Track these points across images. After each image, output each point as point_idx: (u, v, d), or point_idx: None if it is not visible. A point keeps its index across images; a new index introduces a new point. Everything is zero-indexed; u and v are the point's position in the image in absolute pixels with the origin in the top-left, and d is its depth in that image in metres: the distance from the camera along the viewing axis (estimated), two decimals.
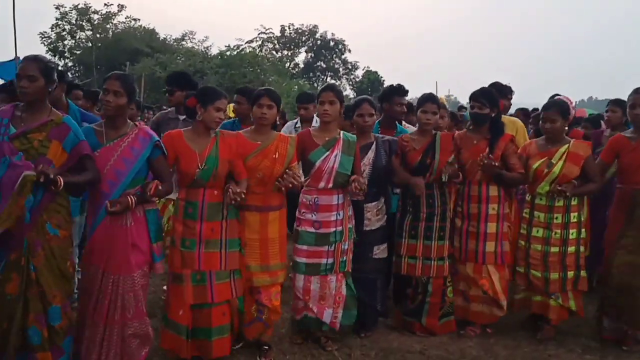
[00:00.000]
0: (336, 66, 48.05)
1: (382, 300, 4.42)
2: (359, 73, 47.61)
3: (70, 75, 31.99)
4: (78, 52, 38.16)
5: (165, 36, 39.81)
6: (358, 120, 4.25)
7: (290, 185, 3.70)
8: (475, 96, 4.31)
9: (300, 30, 46.70)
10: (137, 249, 3.36)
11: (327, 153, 3.93)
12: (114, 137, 3.39)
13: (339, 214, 3.98)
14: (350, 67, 48.06)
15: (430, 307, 4.34)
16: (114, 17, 38.68)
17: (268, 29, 43.19)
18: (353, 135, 4.13)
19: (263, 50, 41.11)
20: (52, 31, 37.61)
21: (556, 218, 4.21)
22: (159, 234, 3.54)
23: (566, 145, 4.21)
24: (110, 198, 3.27)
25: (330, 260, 3.98)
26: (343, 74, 47.95)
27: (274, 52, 43.34)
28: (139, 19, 39.55)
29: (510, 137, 4.36)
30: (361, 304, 4.20)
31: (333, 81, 46.30)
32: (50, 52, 37.07)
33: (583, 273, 4.28)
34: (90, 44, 37.36)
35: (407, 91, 4.93)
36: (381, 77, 44.43)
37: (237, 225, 3.75)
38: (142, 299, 3.40)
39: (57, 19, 37.41)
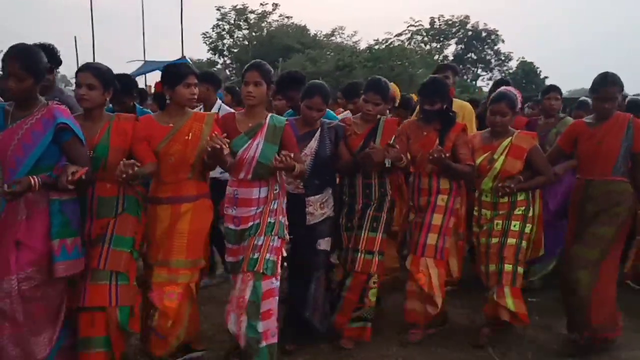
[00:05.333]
0: (488, 57, 46.14)
1: (315, 309, 3.84)
2: (513, 64, 45.34)
3: (228, 73, 34.06)
4: (235, 51, 40.50)
5: (315, 32, 40.97)
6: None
7: (211, 148, 3.07)
8: (425, 93, 4.03)
9: (450, 22, 45.45)
10: (22, 247, 2.84)
11: (249, 141, 3.45)
12: (19, 117, 2.94)
13: (259, 208, 3.45)
14: (503, 58, 45.90)
15: (344, 302, 3.93)
16: (268, 15, 40.69)
17: (417, 21, 42.46)
18: (282, 118, 3.65)
19: (412, 43, 40.68)
20: (213, 31, 40.41)
21: (501, 214, 3.97)
22: (66, 228, 2.98)
23: (509, 139, 3.95)
24: None
25: (241, 257, 3.43)
26: (495, 66, 45.93)
27: (422, 45, 42.67)
28: (292, 17, 41.27)
29: (461, 127, 4.09)
30: (290, 309, 3.78)
31: (487, 72, 44.74)
32: (210, 51, 40.00)
33: (520, 269, 3.91)
34: (247, 42, 39.55)
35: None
36: (537, 67, 41.99)
37: (133, 223, 3.26)
38: (19, 308, 2.82)
39: (217, 19, 40.19)
